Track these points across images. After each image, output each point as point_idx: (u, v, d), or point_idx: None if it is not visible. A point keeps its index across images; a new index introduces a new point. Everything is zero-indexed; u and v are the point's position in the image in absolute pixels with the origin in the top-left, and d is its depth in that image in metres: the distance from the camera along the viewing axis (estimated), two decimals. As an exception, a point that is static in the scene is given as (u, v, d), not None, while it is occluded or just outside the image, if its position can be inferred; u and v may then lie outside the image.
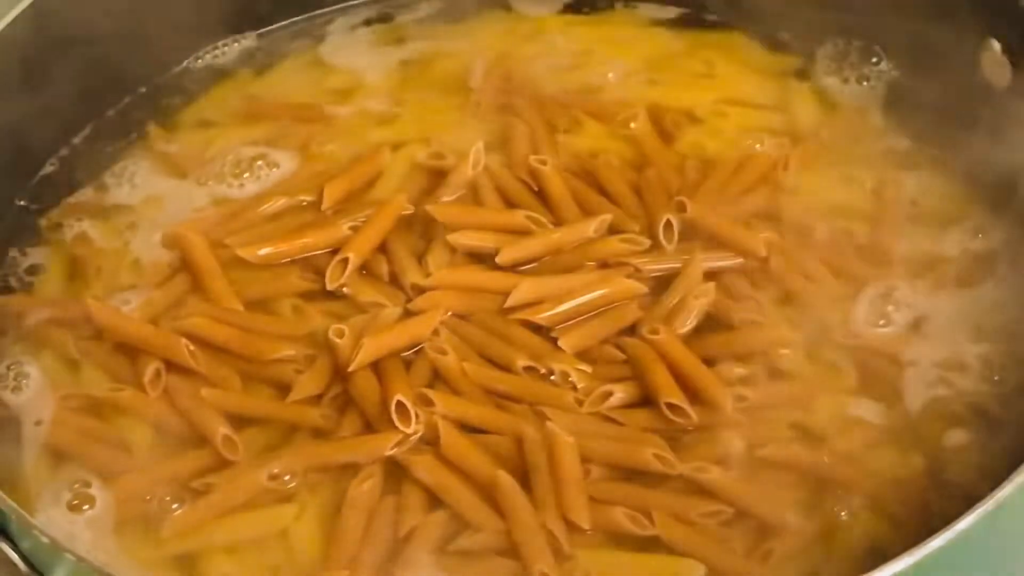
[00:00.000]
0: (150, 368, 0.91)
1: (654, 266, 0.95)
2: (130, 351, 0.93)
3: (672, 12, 1.15)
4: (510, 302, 0.92)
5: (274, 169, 1.03)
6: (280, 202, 1.01)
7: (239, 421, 0.89)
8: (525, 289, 0.93)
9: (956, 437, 0.88)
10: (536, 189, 1.00)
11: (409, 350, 0.91)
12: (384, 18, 1.17)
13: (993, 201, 0.99)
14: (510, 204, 1.00)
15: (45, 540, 0.79)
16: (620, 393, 0.89)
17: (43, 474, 0.89)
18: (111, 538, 0.86)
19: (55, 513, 0.87)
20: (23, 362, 0.95)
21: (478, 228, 0.97)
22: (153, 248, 1.00)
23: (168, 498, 0.87)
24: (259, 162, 1.03)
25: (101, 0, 1.05)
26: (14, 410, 0.92)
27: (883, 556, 0.74)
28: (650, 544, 0.83)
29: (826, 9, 1.08)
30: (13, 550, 0.81)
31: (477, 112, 1.07)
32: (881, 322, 0.93)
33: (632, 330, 0.92)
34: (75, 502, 0.87)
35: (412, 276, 0.95)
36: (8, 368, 0.94)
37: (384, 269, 0.96)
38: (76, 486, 0.88)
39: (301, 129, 1.07)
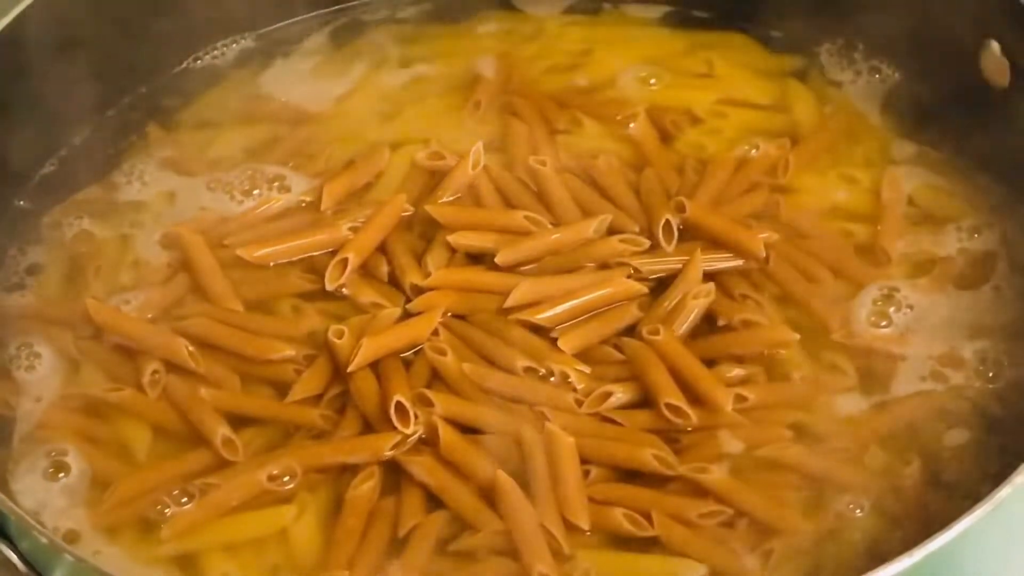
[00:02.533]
0: (149, 368, 0.91)
1: (654, 266, 0.95)
2: (130, 351, 0.93)
3: (658, 11, 1.15)
4: (509, 302, 0.92)
5: (286, 194, 1.03)
6: (280, 202, 1.01)
7: (239, 421, 0.89)
8: (524, 289, 0.92)
9: (956, 437, 0.88)
10: (535, 189, 1.00)
11: (408, 350, 0.91)
12: (384, 18, 1.17)
13: (992, 201, 0.99)
14: (509, 204, 1.00)
15: (44, 540, 0.79)
16: (620, 394, 0.88)
17: (27, 446, 0.90)
18: (82, 507, 0.87)
19: (31, 481, 0.88)
20: (34, 343, 0.95)
21: (477, 228, 0.97)
22: (153, 248, 1.00)
23: (168, 498, 0.86)
24: (276, 183, 1.03)
25: (101, 0, 1.05)
26: (25, 387, 0.93)
27: (883, 556, 0.74)
28: (650, 544, 0.83)
29: (826, 9, 1.08)
30: (12, 550, 0.81)
31: (477, 112, 1.07)
32: (882, 323, 0.93)
33: (632, 330, 0.92)
34: (51, 470, 0.89)
35: (411, 276, 0.94)
36: (18, 349, 0.95)
37: (383, 269, 0.96)
38: (53, 454, 0.89)
39: (301, 129, 1.07)
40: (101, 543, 0.85)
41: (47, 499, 0.88)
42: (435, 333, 0.91)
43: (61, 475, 0.88)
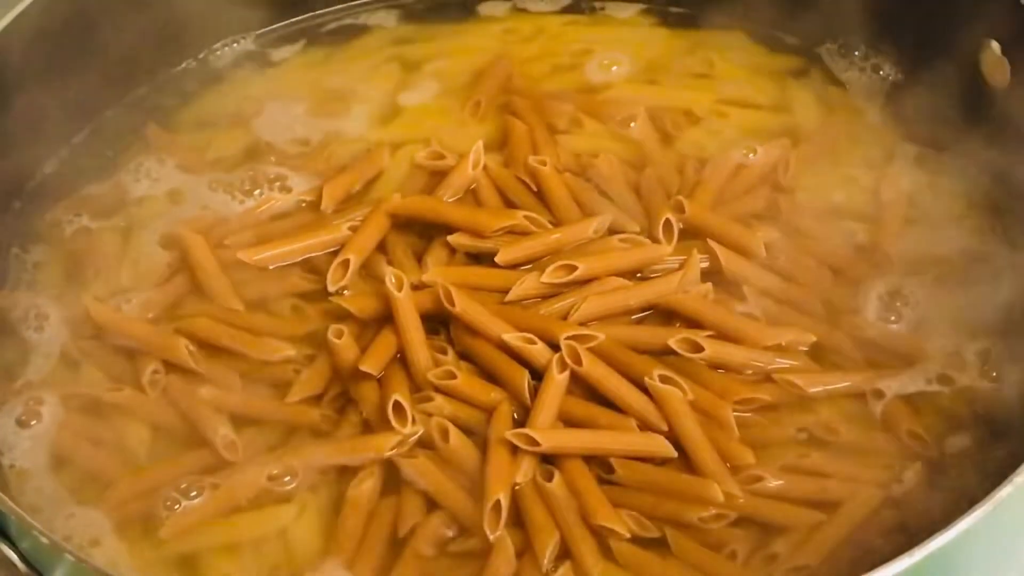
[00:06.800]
0: (149, 368, 0.91)
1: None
2: (129, 351, 0.93)
3: (653, 9, 1.15)
4: (510, 298, 0.92)
5: (287, 193, 1.03)
6: (279, 203, 1.01)
7: (239, 421, 0.90)
8: (526, 286, 0.92)
9: (957, 437, 0.88)
10: (536, 189, 1.00)
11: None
12: (383, 19, 1.17)
13: (993, 201, 0.99)
14: (510, 204, 1.00)
15: (45, 540, 0.79)
16: None
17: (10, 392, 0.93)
18: (44, 450, 0.89)
19: (3, 424, 0.90)
20: (40, 304, 0.96)
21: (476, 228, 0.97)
22: (153, 248, 1.00)
23: (168, 498, 0.86)
24: (277, 183, 1.03)
25: (101, 1, 1.05)
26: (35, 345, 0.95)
27: (883, 556, 0.74)
28: (653, 545, 0.83)
29: (826, 9, 1.08)
30: (12, 550, 0.81)
31: (477, 112, 1.07)
32: (880, 322, 0.93)
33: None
34: (24, 417, 0.90)
35: (411, 276, 0.94)
36: (26, 311, 0.96)
37: (384, 269, 0.96)
38: (30, 403, 0.91)
39: (301, 129, 1.07)
40: (46, 479, 0.87)
41: (15, 442, 0.89)
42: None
43: (33, 422, 0.90)
